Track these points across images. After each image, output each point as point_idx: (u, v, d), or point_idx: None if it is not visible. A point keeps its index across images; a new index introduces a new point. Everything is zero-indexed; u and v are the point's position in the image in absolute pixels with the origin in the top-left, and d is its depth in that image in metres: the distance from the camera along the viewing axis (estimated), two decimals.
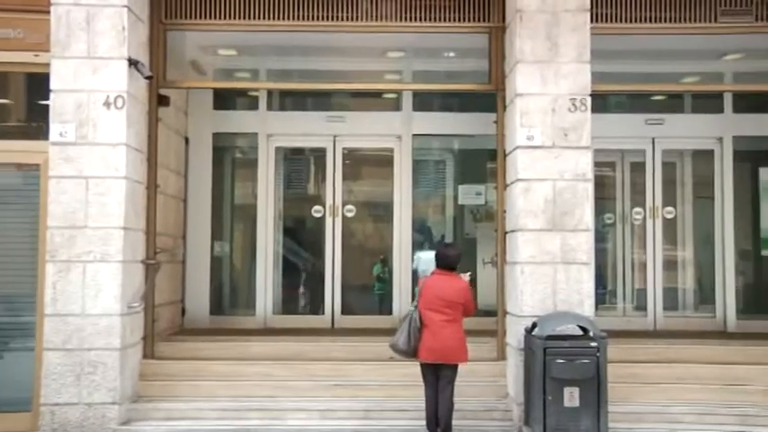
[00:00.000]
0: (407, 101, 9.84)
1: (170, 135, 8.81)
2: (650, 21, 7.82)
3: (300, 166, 10.47)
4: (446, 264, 6.64)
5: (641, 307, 9.88)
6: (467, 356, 6.55)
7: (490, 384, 7.53)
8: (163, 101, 8.00)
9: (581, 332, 6.61)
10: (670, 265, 10.04)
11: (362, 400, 7.35)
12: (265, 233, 9.79)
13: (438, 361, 6.51)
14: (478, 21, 7.87)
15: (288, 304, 10.07)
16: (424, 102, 9.96)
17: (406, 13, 7.86)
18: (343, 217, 9.84)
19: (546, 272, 7.06)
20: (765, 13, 7.81)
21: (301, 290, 10.26)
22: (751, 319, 9.70)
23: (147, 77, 7.37)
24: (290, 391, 7.48)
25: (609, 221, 10.18)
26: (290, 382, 7.56)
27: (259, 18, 7.84)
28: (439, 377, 6.55)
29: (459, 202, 10.25)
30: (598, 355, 6.42)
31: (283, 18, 7.85)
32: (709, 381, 7.48)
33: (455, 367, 6.54)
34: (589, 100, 7.16)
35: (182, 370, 7.65)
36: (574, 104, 7.12)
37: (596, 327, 6.63)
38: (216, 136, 9.92)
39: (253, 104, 10.06)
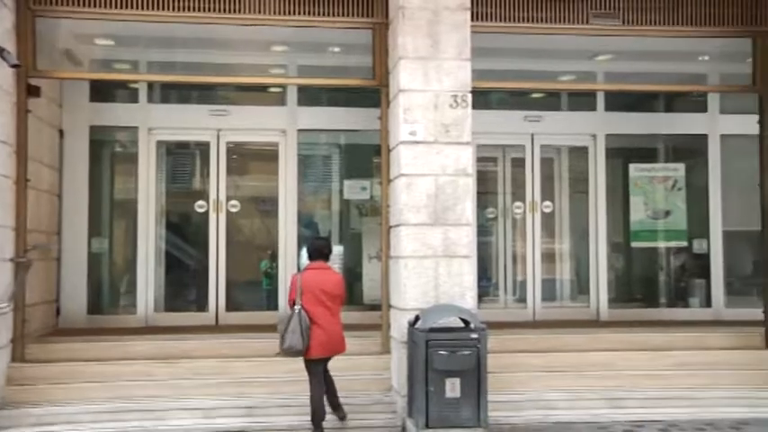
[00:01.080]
0: (292, 95, 9.78)
1: (42, 127, 8.41)
2: (528, 21, 8.07)
3: (184, 160, 10.22)
4: (321, 256, 6.76)
5: (521, 298, 10.21)
6: (345, 346, 6.75)
7: (375, 378, 7.59)
8: (33, 91, 7.63)
9: (462, 324, 6.76)
10: (548, 258, 10.42)
11: (247, 398, 7.26)
12: (147, 229, 9.52)
13: (331, 354, 6.63)
14: (362, 16, 7.90)
15: (171, 301, 9.82)
16: (309, 96, 9.94)
17: (289, 6, 7.80)
18: (228, 212, 9.68)
19: (428, 265, 7.17)
20: (632, 17, 8.20)
21: (185, 287, 10.04)
22: (621, 307, 10.19)
23: (13, 66, 6.99)
24: (172, 391, 7.30)
25: (491, 216, 10.45)
26: (172, 381, 7.38)
27: (138, 8, 7.59)
28: (326, 369, 6.70)
29: (345, 197, 10.28)
30: (479, 346, 6.58)
31: (164, 9, 7.64)
32: (583, 367, 7.81)
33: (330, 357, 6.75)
34: (470, 96, 7.31)
35: (55, 373, 7.32)
36: (455, 101, 7.26)
37: (477, 319, 6.80)
38: (93, 129, 9.54)
39: (133, 97, 9.73)
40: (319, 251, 6.79)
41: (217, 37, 8.54)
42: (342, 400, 6.92)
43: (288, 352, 6.48)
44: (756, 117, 8.36)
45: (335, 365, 6.87)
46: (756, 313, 8.41)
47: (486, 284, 10.41)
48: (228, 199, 9.70)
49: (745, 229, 9.19)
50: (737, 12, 8.29)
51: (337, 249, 10.34)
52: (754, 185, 8.39)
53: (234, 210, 9.73)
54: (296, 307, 6.50)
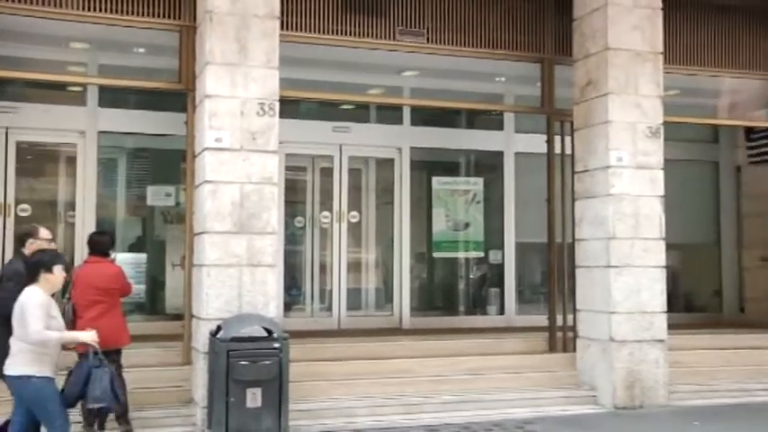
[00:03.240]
0: (93, 96, 9.28)
1: None
2: (337, 33, 8.24)
3: None
4: (99, 250, 6.63)
5: (328, 307, 10.32)
6: (129, 338, 6.58)
7: (175, 390, 7.36)
8: None
9: (265, 334, 6.72)
10: (354, 267, 10.62)
11: None
12: None
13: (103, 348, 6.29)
14: (169, 18, 7.68)
15: None
16: (113, 98, 9.45)
17: (92, 2, 7.42)
18: (17, 216, 8.99)
19: (232, 274, 7.06)
20: (437, 37, 8.61)
21: None
22: (423, 315, 10.59)
23: None
24: None
25: (299, 225, 10.49)
26: None
27: None
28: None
29: (149, 203, 9.92)
30: (281, 355, 6.56)
31: None
32: (385, 375, 8.01)
33: (120, 351, 6.48)
34: (278, 105, 7.30)
35: None
36: (263, 108, 7.22)
37: (280, 328, 6.78)
38: None
39: None
40: (95, 245, 6.65)
41: (8, 28, 7.94)
42: (138, 414, 6.63)
43: None
44: (545, 137, 9.01)
45: (134, 377, 6.60)
46: (543, 320, 9.04)
47: (295, 294, 10.44)
48: (18, 203, 9.02)
49: (536, 241, 9.82)
50: (529, 39, 8.94)
51: (140, 257, 10.01)
52: (543, 200, 9.03)
53: (24, 214, 9.06)
54: (63, 300, 6.25)
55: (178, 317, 8.35)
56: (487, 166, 11.28)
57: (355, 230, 10.61)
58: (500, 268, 10.90)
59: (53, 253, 5.40)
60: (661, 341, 8.08)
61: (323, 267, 10.48)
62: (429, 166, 11.05)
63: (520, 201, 10.80)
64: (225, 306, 6.99)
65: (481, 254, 11.05)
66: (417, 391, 7.84)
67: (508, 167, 10.90)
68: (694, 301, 12.03)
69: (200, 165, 7.37)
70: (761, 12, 9.67)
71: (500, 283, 10.89)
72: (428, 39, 8.57)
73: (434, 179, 10.89)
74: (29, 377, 4.89)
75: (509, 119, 10.89)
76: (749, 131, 11.39)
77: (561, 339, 8.82)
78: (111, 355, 6.32)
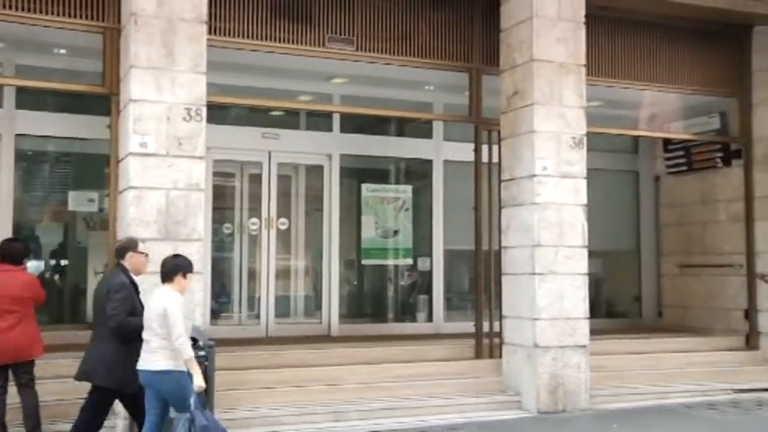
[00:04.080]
0: (10, 97, 8.96)
1: None
2: (267, 39, 8.18)
3: None
4: (11, 257, 6.45)
5: (256, 315, 10.22)
6: (42, 349, 6.41)
7: None
8: None
9: (191, 342, 6.59)
10: (283, 274, 10.55)
11: None
12: None
13: (12, 361, 6.21)
14: (92, 19, 7.47)
15: None
16: (32, 100, 9.15)
17: (8, 0, 7.18)
18: None
19: (157, 281, 6.91)
20: (366, 44, 8.64)
21: None
22: (352, 323, 10.58)
23: None
24: None
25: (228, 231, 10.37)
26: None
27: None
28: (17, 377, 6.27)
29: (71, 209, 9.65)
30: (206, 363, 6.39)
31: None
32: (312, 382, 7.98)
33: (32, 362, 6.31)
34: (205, 110, 7.19)
35: None
36: (189, 114, 7.10)
37: (205, 336, 6.65)
38: None
39: None
40: (8, 253, 6.48)
41: None
42: (51, 427, 6.41)
43: None
44: (473, 145, 9.14)
45: (50, 389, 6.48)
46: (471, 326, 9.13)
47: (223, 301, 10.30)
48: None
49: (464, 249, 9.95)
50: (457, 48, 9.05)
51: (60, 264, 9.74)
52: (471, 208, 9.14)
53: None
54: None
55: None
56: (417, 173, 11.36)
57: (284, 237, 10.54)
58: (429, 275, 10.99)
59: (188, 259, 5.83)
60: (583, 346, 8.28)
61: (251, 274, 10.38)
62: (359, 173, 11.07)
63: (448, 208, 10.91)
64: None
65: (410, 261, 11.11)
66: (345, 398, 7.83)
67: (437, 175, 11.00)
68: (616, 306, 12.38)
69: (124, 170, 7.20)
70: (679, 28, 10.03)
71: (429, 290, 10.97)
72: (357, 46, 8.59)
73: (364, 186, 10.91)
74: (170, 371, 5.40)
75: (438, 127, 11.00)
76: (667, 143, 11.80)
77: (488, 346, 8.94)
78: (25, 366, 6.22)
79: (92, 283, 9.24)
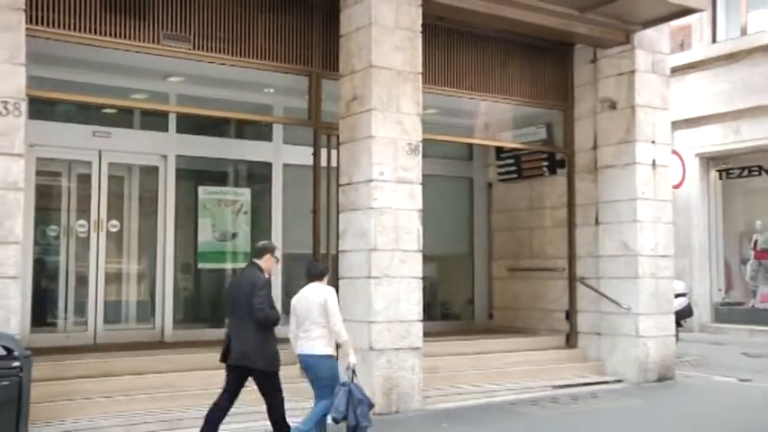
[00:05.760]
0: None
1: None
2: (96, 33, 7.80)
3: None
4: None
5: (83, 321, 9.73)
6: None
7: None
8: None
9: (4, 352, 6.18)
10: (114, 279, 10.12)
11: None
12: None
13: None
14: None
15: None
16: None
17: None
18: None
19: None
20: (203, 44, 8.43)
21: None
22: (188, 328, 10.30)
23: None
24: None
25: (54, 234, 9.81)
26: None
27: None
28: None
29: None
30: (21, 375, 6.06)
31: None
32: (144, 390, 7.69)
33: None
34: (24, 104, 6.76)
35: None
36: (6, 108, 6.64)
37: (21, 345, 6.27)
38: None
39: None
40: None
41: None
42: None
43: None
44: (312, 149, 9.14)
45: None
46: None
47: (46, 308, 9.72)
48: None
49: (303, 252, 9.89)
50: (298, 52, 9.02)
51: None
52: (309, 212, 9.13)
53: None
54: None
55: None
56: (256, 176, 11.23)
57: (116, 240, 10.11)
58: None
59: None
60: (417, 348, 8.46)
61: (79, 279, 9.88)
62: (196, 175, 10.79)
63: (288, 212, 10.86)
64: None
65: None
66: (179, 405, 7.58)
67: (276, 178, 10.92)
68: (450, 309, 12.80)
69: None
70: (512, 42, 10.49)
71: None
72: (194, 45, 8.37)
73: (201, 188, 10.64)
74: (329, 356, 6.38)
75: (278, 130, 10.92)
76: (499, 151, 12.36)
77: None
78: None
79: None
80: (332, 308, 6.33)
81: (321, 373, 6.39)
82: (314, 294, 6.43)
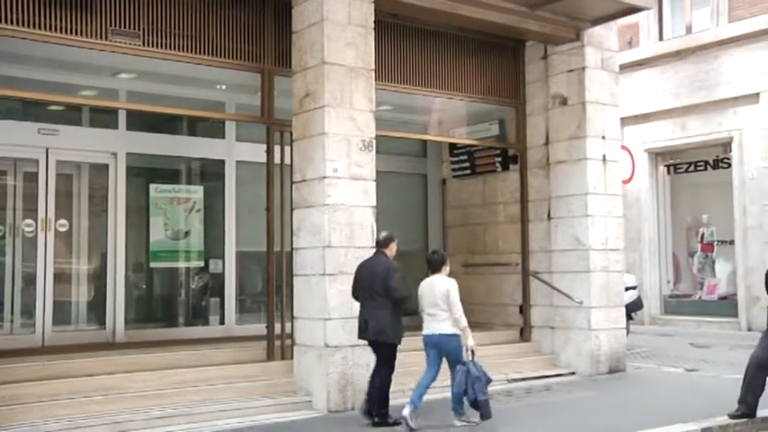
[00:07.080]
0: None
1: None
2: (41, 28, 7.63)
3: None
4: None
5: (30, 323, 9.52)
6: None
7: None
8: None
9: None
10: (63, 279, 9.91)
11: None
12: None
13: None
14: None
15: None
16: None
17: None
18: None
19: None
20: (153, 40, 8.30)
21: None
22: (140, 328, 10.16)
23: None
24: None
25: None
26: None
27: None
28: None
29: None
30: None
31: None
32: (93, 393, 7.54)
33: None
34: None
35: None
36: None
37: None
38: None
39: None
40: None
41: None
42: None
43: None
44: (265, 146, 9.07)
45: None
46: (263, 328, 9.04)
47: None
48: None
49: (257, 250, 9.84)
50: (250, 48, 8.94)
51: None
52: (263, 209, 9.07)
53: None
54: None
55: None
56: (209, 174, 11.12)
57: (65, 240, 9.91)
58: (221, 278, 10.78)
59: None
60: None
61: (26, 280, 9.67)
62: (147, 172, 10.64)
63: (241, 209, 10.77)
64: None
65: (201, 263, 10.85)
66: (124, 407, 7.43)
67: (229, 176, 10.82)
68: (407, 305, 12.76)
69: None
70: (464, 39, 10.56)
71: (221, 292, 10.76)
72: (144, 41, 8.23)
73: (152, 186, 10.48)
74: (455, 335, 7.34)
75: (231, 127, 10.82)
76: (452, 147, 12.42)
77: (279, 347, 8.91)
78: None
79: None
80: (453, 298, 7.32)
81: (450, 347, 7.33)
82: (439, 284, 7.44)
